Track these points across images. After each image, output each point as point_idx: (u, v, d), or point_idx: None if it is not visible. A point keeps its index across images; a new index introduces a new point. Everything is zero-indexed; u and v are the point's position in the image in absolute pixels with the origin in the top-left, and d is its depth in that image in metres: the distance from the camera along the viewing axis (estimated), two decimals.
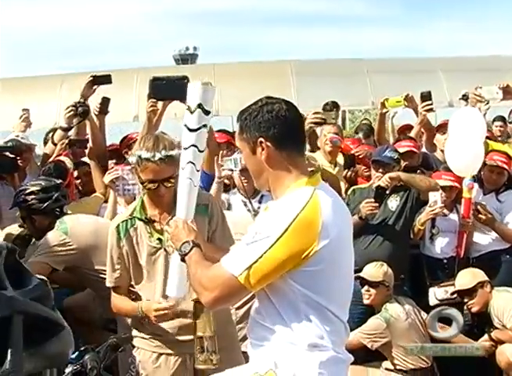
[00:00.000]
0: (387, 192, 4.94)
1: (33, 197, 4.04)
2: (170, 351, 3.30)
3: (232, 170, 4.48)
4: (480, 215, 5.04)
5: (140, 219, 3.28)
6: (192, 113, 2.71)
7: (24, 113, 5.83)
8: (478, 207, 5.05)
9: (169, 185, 3.17)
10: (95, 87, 5.30)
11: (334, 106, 6.81)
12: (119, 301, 3.37)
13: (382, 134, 6.13)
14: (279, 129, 2.36)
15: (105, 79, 5.33)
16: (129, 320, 3.45)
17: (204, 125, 2.73)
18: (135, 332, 3.37)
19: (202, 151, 2.77)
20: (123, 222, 3.29)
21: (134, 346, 3.36)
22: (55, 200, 4.06)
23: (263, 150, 2.37)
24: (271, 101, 2.41)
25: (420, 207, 5.05)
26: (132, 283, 3.37)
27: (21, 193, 4.10)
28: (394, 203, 5.01)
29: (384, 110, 5.82)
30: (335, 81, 10.57)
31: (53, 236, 3.85)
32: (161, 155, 3.11)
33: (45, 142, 5.77)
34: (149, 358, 3.33)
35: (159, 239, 3.26)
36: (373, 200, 4.84)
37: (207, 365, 2.97)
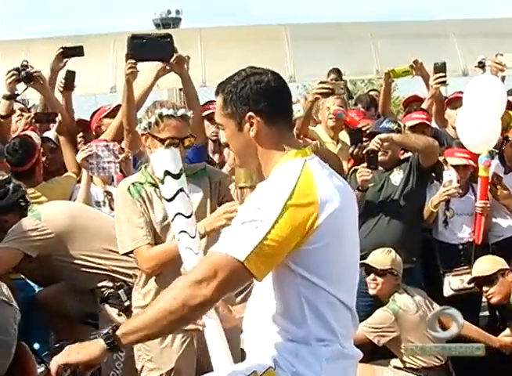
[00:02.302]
0: (377, 160, 4.94)
1: None
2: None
3: None
4: (496, 189, 5.02)
5: (152, 185, 3.45)
6: (163, 183, 2.82)
7: None
8: (495, 179, 5.04)
9: (186, 144, 3.48)
10: (65, 60, 5.24)
11: (337, 73, 6.76)
12: (163, 248, 3.37)
13: (387, 106, 6.10)
14: (270, 102, 2.34)
15: (76, 51, 5.28)
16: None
17: (180, 190, 2.82)
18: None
19: (189, 216, 2.84)
20: (133, 184, 3.47)
21: None
22: (13, 191, 4.03)
23: (252, 125, 2.35)
24: (256, 71, 2.39)
25: (426, 176, 5.04)
26: None
27: None
28: (397, 177, 5.02)
29: (390, 81, 5.81)
30: (335, 47, 10.45)
31: (26, 222, 3.84)
32: (181, 112, 3.45)
33: None
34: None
35: None
36: (365, 165, 4.86)
37: None
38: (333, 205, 2.26)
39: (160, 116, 3.40)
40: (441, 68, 5.55)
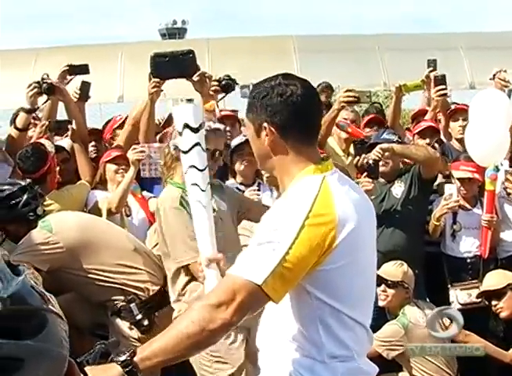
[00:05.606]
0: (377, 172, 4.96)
1: None
2: None
3: None
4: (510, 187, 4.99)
5: None
6: (181, 135, 2.90)
7: None
8: (508, 176, 5.01)
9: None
10: (70, 77, 5.25)
11: (328, 88, 6.75)
12: None
13: (397, 120, 6.04)
14: (287, 116, 2.30)
15: (81, 69, 5.30)
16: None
17: (197, 143, 2.91)
18: None
19: (203, 170, 2.93)
20: (182, 197, 3.53)
21: None
22: (24, 205, 3.94)
23: (267, 135, 2.32)
24: (286, 82, 2.32)
25: (427, 188, 5.02)
26: None
27: None
28: (398, 189, 5.00)
29: (401, 95, 5.79)
30: (343, 58, 10.45)
31: (36, 235, 3.79)
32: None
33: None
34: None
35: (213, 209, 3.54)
36: (366, 175, 4.85)
37: None
38: (351, 224, 2.24)
39: (210, 127, 3.54)
40: (441, 80, 5.52)
